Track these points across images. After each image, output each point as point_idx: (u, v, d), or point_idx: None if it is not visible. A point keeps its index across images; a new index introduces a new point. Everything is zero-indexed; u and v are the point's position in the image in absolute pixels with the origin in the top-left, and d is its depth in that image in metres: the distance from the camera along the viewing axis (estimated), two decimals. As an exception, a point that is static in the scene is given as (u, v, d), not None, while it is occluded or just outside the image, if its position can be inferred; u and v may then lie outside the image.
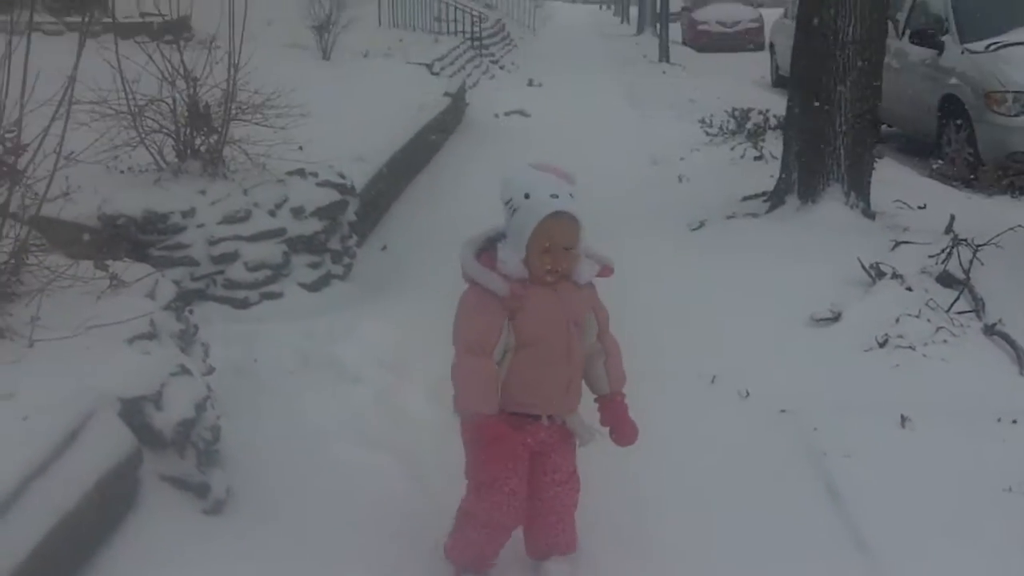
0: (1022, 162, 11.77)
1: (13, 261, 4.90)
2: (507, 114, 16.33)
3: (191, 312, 5.84)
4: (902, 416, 5.59)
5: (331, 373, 6.18)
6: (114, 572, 4.08)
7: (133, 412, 4.44)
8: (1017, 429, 5.50)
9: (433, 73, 16.56)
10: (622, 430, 4.28)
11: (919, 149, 13.63)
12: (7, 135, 4.83)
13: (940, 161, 12.70)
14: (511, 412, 4.04)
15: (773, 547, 4.53)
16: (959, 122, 12.66)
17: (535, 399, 4.10)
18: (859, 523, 4.68)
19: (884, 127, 14.99)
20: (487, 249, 4.02)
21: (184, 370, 4.82)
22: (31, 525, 3.73)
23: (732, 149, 12.48)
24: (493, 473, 4.07)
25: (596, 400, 4.31)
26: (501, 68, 22.40)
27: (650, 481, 5.03)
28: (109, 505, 4.23)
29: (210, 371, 5.37)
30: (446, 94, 14.40)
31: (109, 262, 5.31)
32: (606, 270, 4.17)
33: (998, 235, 7.81)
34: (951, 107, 12.84)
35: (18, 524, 3.66)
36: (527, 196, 3.90)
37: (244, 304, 7.20)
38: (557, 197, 3.89)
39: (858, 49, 8.89)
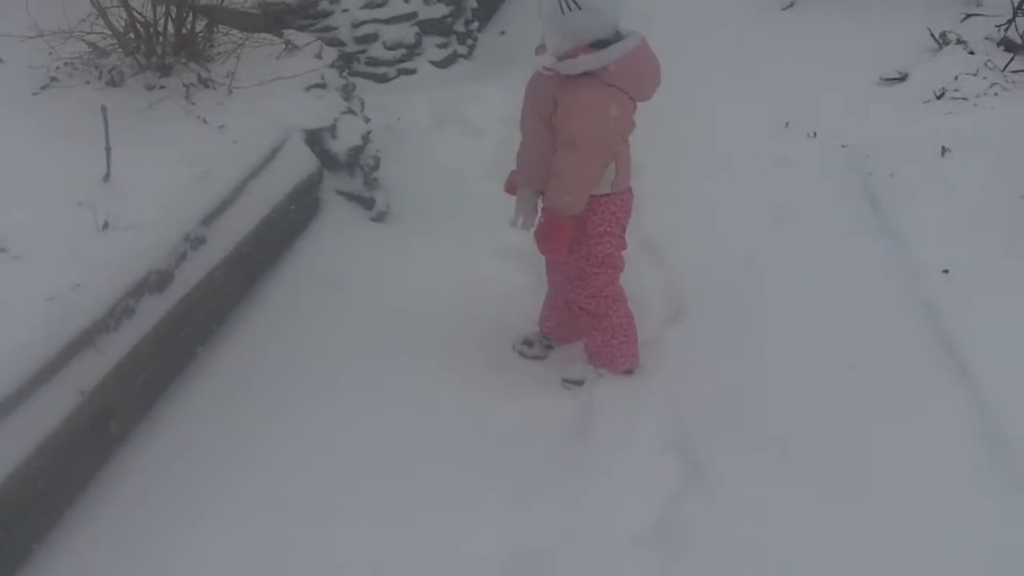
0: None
1: (206, 31, 6.11)
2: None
3: (350, 73, 7.05)
4: (943, 147, 6.63)
5: (460, 128, 7.41)
6: (308, 256, 5.47)
7: (315, 140, 5.73)
8: (1043, 157, 6.50)
9: None
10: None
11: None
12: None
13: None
14: None
15: (820, 237, 5.74)
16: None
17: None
18: (890, 219, 5.88)
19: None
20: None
21: (351, 111, 6.09)
22: (250, 214, 5.06)
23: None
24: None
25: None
26: None
27: (726, 200, 6.18)
28: (302, 208, 5.54)
29: (367, 120, 6.57)
30: None
31: (283, 32, 6.51)
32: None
33: (1055, 1, 8.60)
34: None
35: (242, 209, 4.97)
36: None
37: (384, 79, 8.34)
38: None
39: None
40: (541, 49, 4.30)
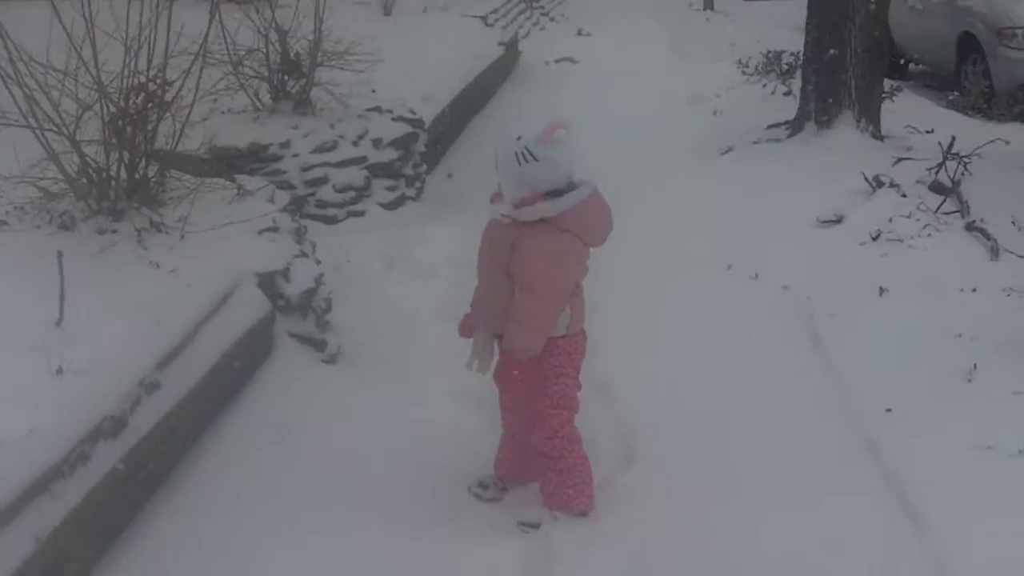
0: (1031, 92, 12.77)
1: (158, 176, 6.20)
2: (557, 61, 17.33)
3: (299, 215, 7.16)
4: (880, 287, 6.82)
5: (412, 270, 7.53)
6: (261, 398, 5.48)
7: (267, 283, 5.83)
8: (976, 296, 6.69)
9: (488, 25, 17.58)
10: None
11: (942, 84, 14.62)
12: (156, 76, 6.10)
13: (956, 93, 13.73)
14: None
15: (767, 378, 5.86)
16: (975, 57, 13.67)
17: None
18: (834, 357, 6.05)
19: (911, 65, 16.14)
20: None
21: (303, 254, 6.18)
22: (203, 358, 5.09)
23: (764, 87, 13.52)
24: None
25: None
26: (551, 19, 23.35)
27: (676, 342, 6.30)
28: (254, 350, 5.59)
29: (318, 263, 6.65)
30: (500, 43, 15.51)
31: (235, 176, 6.63)
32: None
33: (980, 147, 8.95)
34: (968, 43, 13.84)
35: (196, 353, 5.00)
36: None
37: (333, 220, 8.48)
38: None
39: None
40: (497, 197, 4.46)
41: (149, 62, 5.99)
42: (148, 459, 4.53)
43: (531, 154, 4.26)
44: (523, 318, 4.38)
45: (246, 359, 5.52)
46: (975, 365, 5.68)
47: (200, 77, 6.38)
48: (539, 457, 4.72)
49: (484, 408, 5.58)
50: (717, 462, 5.13)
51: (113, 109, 5.80)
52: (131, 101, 5.83)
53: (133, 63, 5.84)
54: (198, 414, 5.03)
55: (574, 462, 4.70)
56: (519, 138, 4.32)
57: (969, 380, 5.60)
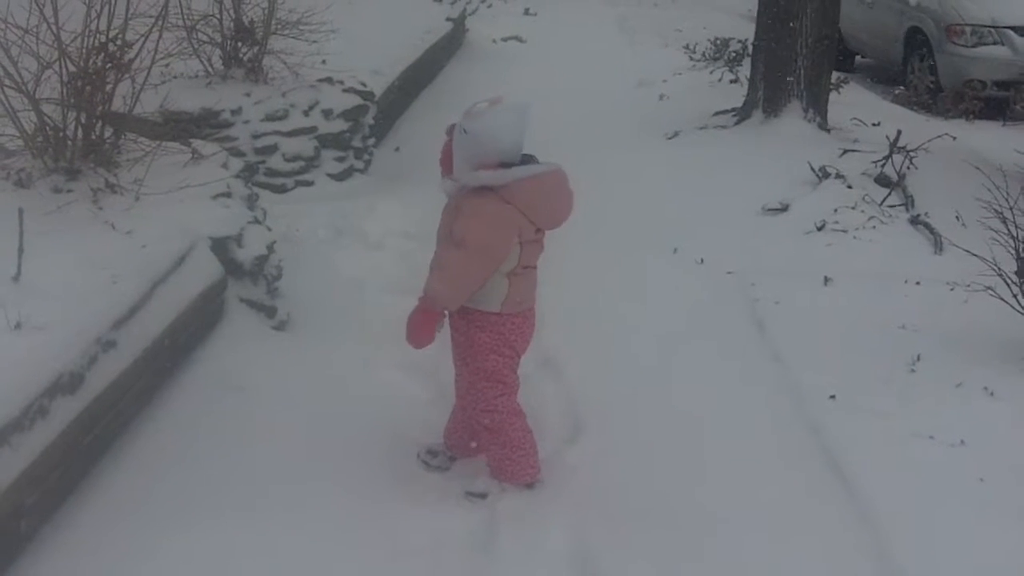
0: (977, 89, 12.96)
1: (114, 138, 6.17)
2: (504, 40, 17.28)
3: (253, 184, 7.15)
4: (825, 277, 6.95)
5: (360, 241, 7.53)
6: (211, 361, 5.49)
7: (220, 248, 5.82)
8: (919, 289, 6.85)
9: (436, 0, 17.59)
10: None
11: (888, 78, 14.79)
12: (115, 38, 6.06)
13: (902, 88, 13.91)
14: None
15: (713, 362, 5.94)
16: (922, 52, 13.85)
17: None
18: (778, 343, 6.14)
19: (857, 58, 16.31)
20: None
21: (256, 220, 6.17)
22: (158, 319, 5.10)
23: (711, 73, 13.60)
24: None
25: None
26: (499, -3, 23.35)
27: (621, 321, 6.37)
28: (207, 314, 5.60)
29: (269, 230, 6.64)
30: (448, 19, 15.46)
31: (190, 141, 6.60)
32: None
33: (927, 141, 9.09)
34: (916, 38, 14.02)
35: (150, 317, 5.01)
36: None
37: (282, 189, 8.46)
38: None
39: (819, -18, 10.17)
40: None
41: (109, 23, 5.95)
42: (104, 416, 4.55)
43: (463, 128, 4.43)
44: (444, 266, 4.49)
45: (199, 322, 5.54)
46: (918, 356, 5.82)
47: (159, 40, 6.34)
48: (482, 430, 4.78)
49: (432, 378, 5.64)
50: (660, 439, 5.19)
51: (73, 69, 5.76)
52: (91, 61, 5.79)
53: (95, 23, 5.79)
54: (152, 373, 5.05)
55: (515, 435, 4.76)
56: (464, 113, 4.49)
57: (912, 370, 5.74)
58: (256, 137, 8.46)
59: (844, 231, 7.83)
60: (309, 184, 8.66)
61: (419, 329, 4.56)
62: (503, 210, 4.45)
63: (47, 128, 5.78)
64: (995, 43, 13.06)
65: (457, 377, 4.90)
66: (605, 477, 4.88)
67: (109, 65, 5.94)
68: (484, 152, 4.43)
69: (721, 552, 4.37)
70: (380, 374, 5.74)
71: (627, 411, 5.41)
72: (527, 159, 4.54)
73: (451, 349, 4.80)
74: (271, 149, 8.50)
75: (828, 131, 10.38)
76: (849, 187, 8.52)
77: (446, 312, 4.63)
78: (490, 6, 21.36)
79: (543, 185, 4.51)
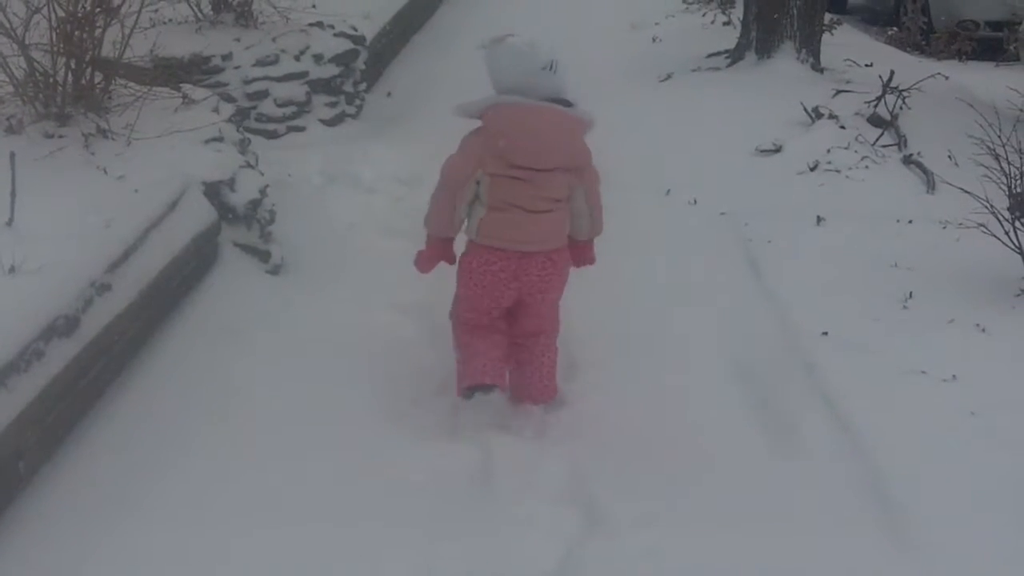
0: (970, 29, 12.93)
1: (104, 83, 6.15)
2: (496, -17, 17.23)
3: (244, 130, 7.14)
4: (818, 216, 6.97)
5: (352, 186, 7.53)
6: (205, 305, 5.52)
7: (213, 192, 5.82)
8: (911, 227, 6.87)
9: (427, -55, 17.48)
10: None
11: (881, 19, 14.74)
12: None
13: (895, 29, 13.86)
14: None
15: (704, 299, 5.99)
16: (916, -8, 13.82)
17: None
18: (771, 282, 6.20)
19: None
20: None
21: (249, 165, 6.16)
22: (153, 262, 5.11)
23: (704, 15, 13.52)
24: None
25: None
26: (490, -58, 23.17)
27: (615, 260, 6.36)
28: (201, 258, 5.61)
29: (262, 174, 6.63)
30: (440, -38, 15.41)
31: (181, 85, 6.58)
32: None
33: (920, 81, 9.08)
34: (909, -23, 13.98)
35: (145, 257, 5.01)
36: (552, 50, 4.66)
37: (274, 135, 8.41)
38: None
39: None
40: None
41: (99, -35, 5.93)
42: (99, 359, 4.56)
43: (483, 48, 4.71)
44: None
45: (193, 266, 5.55)
46: (910, 293, 5.85)
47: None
48: None
49: (425, 320, 5.67)
50: (653, 376, 5.23)
51: (62, 13, 5.73)
52: (80, 6, 5.76)
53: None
54: (147, 317, 5.06)
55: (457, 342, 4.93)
56: None
57: (904, 307, 5.77)
58: (247, 83, 8.40)
59: (837, 171, 7.85)
60: (301, 129, 8.61)
61: (416, 257, 4.90)
62: (469, 139, 4.64)
63: (37, 74, 5.76)
64: (988, -17, 13.01)
65: None
66: (601, 413, 4.91)
67: (98, 10, 5.92)
68: (492, 78, 4.66)
69: (715, 482, 4.42)
70: (374, 316, 5.75)
71: (621, 350, 5.44)
72: (559, 103, 4.60)
73: None
74: (262, 94, 8.45)
75: (821, 72, 10.35)
76: (842, 127, 8.53)
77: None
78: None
79: (522, 120, 4.55)
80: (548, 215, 4.67)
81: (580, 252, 4.95)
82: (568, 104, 4.61)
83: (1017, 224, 5.88)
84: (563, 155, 4.65)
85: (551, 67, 4.53)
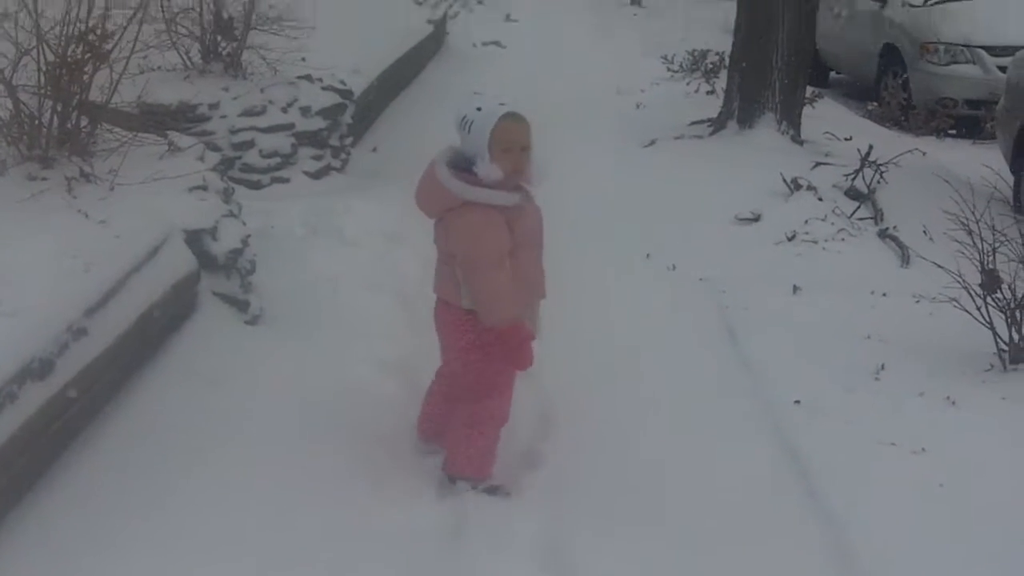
0: (949, 107, 13.10)
1: (90, 127, 6.18)
2: (484, 44, 17.37)
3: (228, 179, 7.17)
4: (794, 286, 7.04)
5: (335, 239, 7.53)
6: (183, 354, 5.51)
7: (194, 240, 5.84)
8: (885, 300, 6.94)
9: (417, 3, 17.61)
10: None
11: (862, 94, 14.91)
12: (95, 28, 6.07)
13: (875, 104, 14.03)
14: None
15: (680, 363, 6.03)
16: (896, 69, 13.98)
17: (533, 295, 4.71)
18: (745, 348, 6.24)
19: (832, 73, 16.44)
20: (463, 172, 4.37)
21: (232, 214, 6.19)
22: (131, 308, 5.11)
23: (688, 84, 13.71)
24: (513, 373, 4.71)
25: None
26: (480, 2, 23.37)
27: (592, 322, 6.42)
28: (179, 305, 5.62)
29: (244, 224, 6.66)
30: (429, 22, 15.54)
31: (167, 132, 6.62)
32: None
33: (897, 156, 9.21)
34: (890, 55, 14.17)
35: (123, 303, 5.02)
36: (479, 109, 4.35)
37: (258, 186, 8.47)
38: (504, 104, 4.37)
39: (796, -1, 10.30)
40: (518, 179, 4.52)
41: (89, 12, 5.97)
42: (73, 404, 4.55)
43: None
44: None
45: (171, 313, 5.55)
46: (883, 365, 5.89)
47: (139, 31, 6.36)
48: None
49: (405, 376, 5.69)
50: (629, 437, 5.25)
51: (51, 57, 5.77)
52: (70, 50, 5.81)
53: (75, 11, 5.81)
54: (124, 364, 5.05)
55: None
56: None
57: (876, 379, 5.81)
58: (233, 132, 8.47)
59: (814, 242, 7.93)
60: (285, 181, 8.67)
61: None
62: None
63: (23, 116, 5.79)
64: (968, 62, 13.20)
65: None
66: (575, 473, 4.94)
67: (88, 55, 5.96)
68: None
69: (689, 545, 4.43)
70: (353, 370, 5.76)
71: (597, 412, 5.46)
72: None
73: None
74: (248, 145, 8.51)
75: (801, 144, 10.51)
76: (820, 199, 8.63)
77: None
78: (471, 11, 21.44)
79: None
80: (444, 266, 4.67)
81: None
82: (469, 165, 4.39)
83: (988, 300, 5.94)
84: (423, 207, 4.63)
85: (461, 124, 4.40)
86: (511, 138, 4.33)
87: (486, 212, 4.34)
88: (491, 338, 4.48)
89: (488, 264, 4.37)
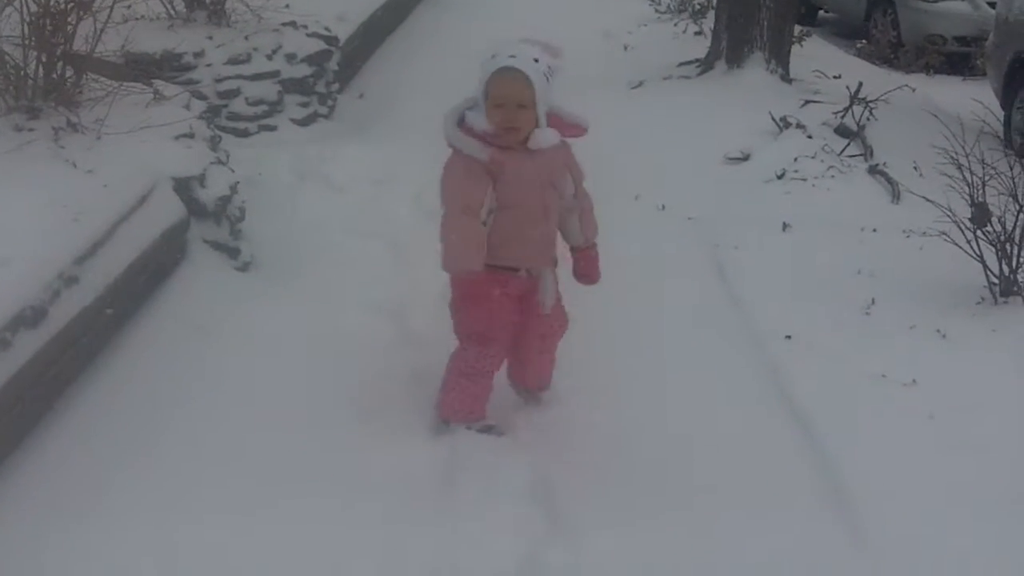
0: (938, 44, 13.08)
1: (75, 77, 6.15)
2: (471, -14, 17.26)
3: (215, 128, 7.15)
4: (784, 223, 7.04)
5: (323, 185, 7.54)
6: (174, 301, 5.52)
7: (183, 188, 5.83)
8: (875, 236, 6.96)
9: (403, -52, 17.48)
10: (592, 276, 4.94)
11: (851, 33, 14.87)
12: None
13: (864, 42, 13.99)
14: (493, 265, 4.38)
15: (671, 301, 6.05)
16: (885, 7, 13.94)
17: (515, 255, 4.50)
18: (736, 286, 6.28)
19: (820, 12, 16.38)
20: (465, 118, 4.33)
21: (219, 161, 6.18)
22: (121, 256, 5.11)
23: (675, 25, 13.62)
24: (481, 327, 4.54)
25: (571, 250, 4.86)
26: (465, -53, 23.17)
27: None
28: (169, 253, 5.62)
29: (232, 171, 6.64)
30: (416, -35, 15.42)
31: (152, 81, 6.58)
32: (576, 129, 4.53)
33: (887, 93, 9.19)
34: (879, -7, 14.14)
35: (113, 253, 5.02)
36: (492, 56, 4.27)
37: (244, 134, 8.41)
38: (514, 57, 4.21)
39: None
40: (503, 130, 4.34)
41: (72, -40, 5.94)
42: (66, 351, 4.57)
43: (552, 72, 4.34)
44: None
45: (161, 261, 5.56)
46: (873, 300, 5.92)
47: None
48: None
49: (397, 319, 5.70)
50: (620, 380, 5.25)
51: (35, 7, 5.74)
52: (53, 0, 5.77)
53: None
54: (115, 311, 5.06)
55: None
56: (536, 60, 4.26)
57: (867, 313, 5.84)
58: (218, 81, 8.40)
59: (803, 180, 7.92)
60: (272, 129, 8.62)
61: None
62: None
63: (8, 67, 5.76)
64: (956, -1, 13.17)
65: None
66: (568, 415, 4.95)
67: (71, 4, 5.92)
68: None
69: (678, 486, 4.45)
70: (345, 314, 5.76)
71: (587, 354, 5.42)
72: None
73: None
74: (234, 93, 8.45)
75: (790, 82, 10.46)
76: (809, 137, 8.61)
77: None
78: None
79: None
80: None
81: None
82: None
83: (978, 233, 5.95)
84: None
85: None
86: (501, 92, 4.22)
87: (464, 160, 4.31)
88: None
89: (450, 210, 4.32)
